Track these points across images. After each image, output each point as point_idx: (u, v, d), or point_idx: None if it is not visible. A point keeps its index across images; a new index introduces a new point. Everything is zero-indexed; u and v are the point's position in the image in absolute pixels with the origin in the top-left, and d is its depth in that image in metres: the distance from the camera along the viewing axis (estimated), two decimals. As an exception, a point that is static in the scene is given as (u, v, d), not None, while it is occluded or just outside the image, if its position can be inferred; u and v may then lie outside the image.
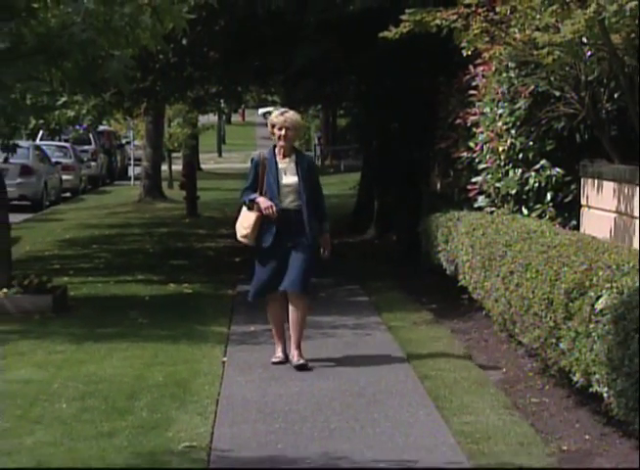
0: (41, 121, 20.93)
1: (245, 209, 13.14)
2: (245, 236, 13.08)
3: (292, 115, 12.93)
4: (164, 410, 11.24)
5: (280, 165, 13.00)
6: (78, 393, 12.04)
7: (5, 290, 17.48)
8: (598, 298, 9.22)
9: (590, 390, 9.70)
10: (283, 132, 12.76)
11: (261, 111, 74.06)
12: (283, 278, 12.91)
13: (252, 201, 12.92)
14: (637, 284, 8.75)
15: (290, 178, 12.99)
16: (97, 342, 14.87)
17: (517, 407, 11.18)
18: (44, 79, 9.62)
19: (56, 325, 16.27)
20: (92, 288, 20.07)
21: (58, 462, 9.53)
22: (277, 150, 13.07)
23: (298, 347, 12.92)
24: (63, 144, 48.33)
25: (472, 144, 16.72)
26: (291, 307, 13.06)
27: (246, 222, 13.04)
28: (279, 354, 13.12)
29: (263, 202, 12.77)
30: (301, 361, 12.75)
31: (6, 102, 9.80)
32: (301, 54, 21.16)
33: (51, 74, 9.83)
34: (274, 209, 12.71)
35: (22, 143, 28.56)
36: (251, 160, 13.52)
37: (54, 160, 45.13)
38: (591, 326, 9.29)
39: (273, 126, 12.97)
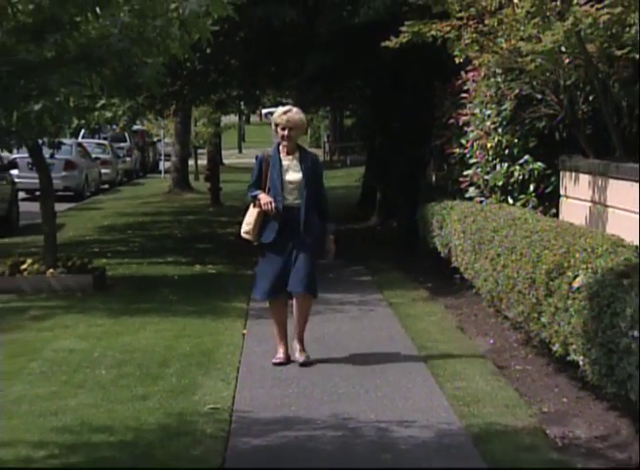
0: (82, 121, 20.82)
1: (251, 205, 11.87)
2: (247, 232, 11.82)
3: (294, 114, 11.72)
4: (191, 376, 11.26)
5: (284, 162, 11.79)
6: (116, 361, 12.08)
7: (51, 270, 17.53)
8: (575, 277, 9.23)
9: (568, 358, 9.71)
10: (286, 132, 11.63)
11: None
12: (287, 278, 11.67)
13: (255, 197, 11.71)
14: (609, 265, 8.75)
15: (293, 175, 11.75)
16: (132, 316, 14.90)
17: (503, 374, 11.20)
18: (85, 84, 9.60)
19: (95, 301, 16.30)
20: (127, 269, 20.09)
21: (98, 422, 9.57)
22: (281, 147, 11.86)
23: (301, 340, 11.86)
24: (101, 141, 48.42)
25: (463, 141, 16.84)
26: (295, 306, 11.92)
27: (248, 218, 11.80)
28: (280, 355, 11.74)
29: (263, 198, 11.56)
30: (304, 358, 11.59)
31: (52, 104, 9.75)
32: (312, 61, 21.14)
33: (91, 80, 9.80)
34: (273, 205, 11.50)
35: (66, 141, 28.56)
36: (256, 157, 12.28)
37: (94, 155, 45.16)
38: (569, 302, 9.30)
39: (277, 125, 11.83)
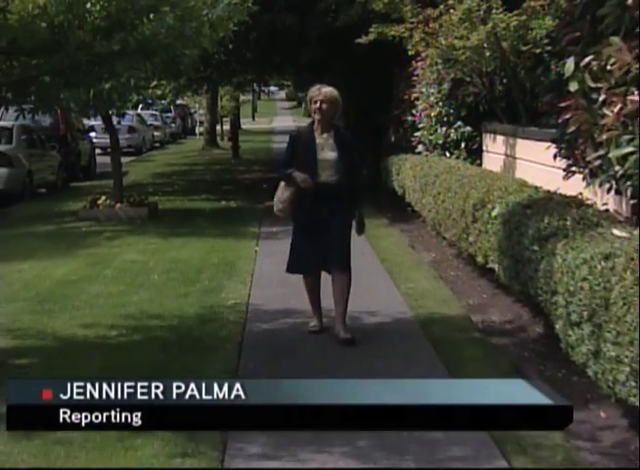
0: (140, 97, 20.80)
1: (282, 183, 8.98)
2: (281, 210, 8.95)
3: (329, 90, 8.75)
4: (219, 280, 11.26)
5: (318, 141, 8.73)
6: (165, 269, 12.07)
7: (119, 204, 17.56)
8: (493, 208, 9.23)
9: (487, 266, 9.73)
10: (317, 105, 8.64)
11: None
12: (320, 255, 8.78)
13: (289, 175, 8.75)
14: (517, 200, 8.74)
15: (327, 154, 8.70)
16: (176, 237, 14.89)
17: (441, 278, 11.20)
18: (141, 70, 9.59)
19: (150, 227, 16.28)
20: (172, 203, 20.05)
21: (153, 311, 9.59)
22: (315, 125, 8.80)
23: (344, 321, 8.61)
24: (154, 112, 48.24)
25: (414, 112, 16.91)
26: (335, 284, 8.79)
27: (282, 196, 8.91)
28: (315, 323, 8.96)
29: (299, 175, 8.59)
30: (348, 335, 8.44)
31: (118, 84, 9.73)
32: (305, 54, 21.11)
33: (145, 67, 9.75)
34: (310, 181, 8.55)
35: (129, 112, 28.40)
36: (290, 134, 9.26)
37: (148, 122, 45.05)
38: (488, 227, 9.31)
39: (310, 100, 8.85)
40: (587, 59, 7.08)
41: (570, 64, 7.36)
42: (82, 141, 28.55)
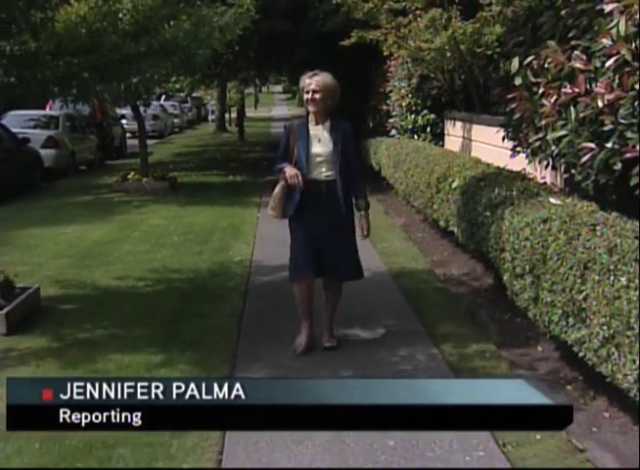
0: (162, 90, 20.77)
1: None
2: (272, 208, 6.67)
3: (322, 77, 6.49)
4: (227, 241, 11.28)
5: (311, 132, 6.51)
6: (182, 231, 12.07)
7: (145, 178, 17.54)
8: (453, 181, 9.23)
9: (448, 229, 9.74)
10: (310, 95, 6.47)
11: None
12: (316, 260, 6.56)
13: (280, 170, 6.53)
14: (473, 174, 8.75)
15: (321, 147, 6.45)
16: (192, 206, 14.86)
17: (410, 239, 11.22)
18: (163, 67, 9.60)
19: (170, 197, 16.26)
20: (189, 178, 20.00)
21: (173, 266, 9.60)
22: (310, 116, 6.59)
23: (330, 326, 6.67)
24: (174, 103, 48.04)
25: (388, 102, 16.76)
26: (332, 291, 6.72)
27: (274, 194, 6.64)
28: (302, 341, 6.51)
29: (289, 170, 6.40)
30: (332, 343, 6.56)
31: (144, 79, 9.77)
32: (298, 55, 21.02)
33: (166, 64, 9.77)
34: (299, 178, 6.34)
35: (153, 102, 28.28)
36: (284, 127, 6.92)
37: (169, 111, 44.86)
38: (449, 196, 9.30)
39: (303, 90, 6.62)
40: (529, 59, 7.12)
41: (515, 62, 7.40)
42: (115, 126, 28.58)
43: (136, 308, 7.78)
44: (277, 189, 6.53)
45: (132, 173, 17.90)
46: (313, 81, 6.41)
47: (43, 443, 4.72)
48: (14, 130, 18.24)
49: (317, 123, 6.51)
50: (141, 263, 9.79)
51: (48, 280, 8.81)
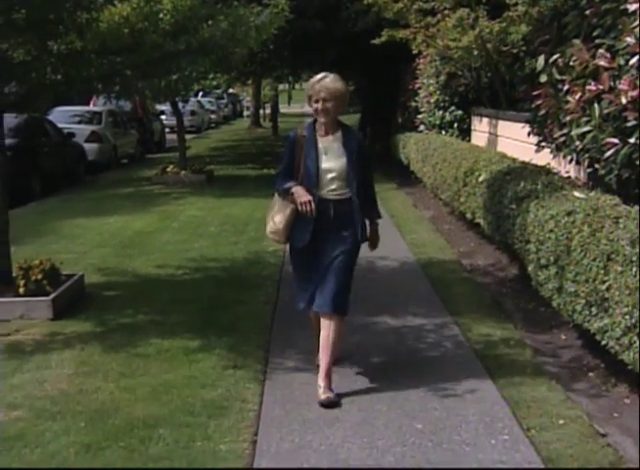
0: (199, 87, 20.84)
1: (275, 196, 5.50)
2: (274, 232, 5.45)
3: (330, 81, 5.16)
4: (262, 231, 11.05)
5: (320, 145, 5.26)
6: (219, 222, 12.12)
7: (183, 171, 17.67)
8: (479, 175, 9.19)
9: (474, 221, 9.71)
10: (320, 105, 5.15)
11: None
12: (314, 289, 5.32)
13: (287, 191, 5.25)
14: (499, 168, 8.71)
15: (333, 161, 5.22)
16: (228, 198, 14.92)
17: (438, 231, 11.19)
18: (201, 65, 9.60)
19: (207, 189, 16.33)
20: (225, 171, 20.07)
21: (210, 256, 9.64)
22: (317, 125, 5.31)
23: (328, 375, 5.21)
24: (210, 99, 48.20)
25: (417, 98, 16.71)
26: (322, 327, 5.28)
27: (278, 215, 5.40)
28: (322, 390, 5.14)
29: (300, 194, 5.14)
30: (328, 395, 5.08)
31: (183, 76, 9.80)
32: (330, 53, 21.06)
33: (204, 62, 9.77)
34: (313, 205, 5.11)
35: (191, 99, 28.37)
36: (287, 137, 5.46)
37: (206, 107, 45.02)
38: (476, 189, 9.29)
39: (310, 98, 5.25)
40: (554, 57, 7.08)
41: (540, 60, 7.36)
42: (155, 122, 28.74)
43: (175, 295, 7.82)
44: (281, 212, 5.36)
45: (171, 167, 18.00)
46: (323, 89, 5.15)
47: (88, 422, 4.78)
48: (59, 125, 18.39)
49: (326, 134, 5.28)
50: (179, 253, 9.84)
51: (92, 268, 8.88)
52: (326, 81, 5.17)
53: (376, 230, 5.61)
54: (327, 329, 5.22)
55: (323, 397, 5.09)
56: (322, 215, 5.20)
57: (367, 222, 5.47)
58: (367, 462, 4.24)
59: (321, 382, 5.19)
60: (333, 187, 5.23)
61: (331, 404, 5.04)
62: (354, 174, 5.23)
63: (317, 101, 5.18)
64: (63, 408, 5.00)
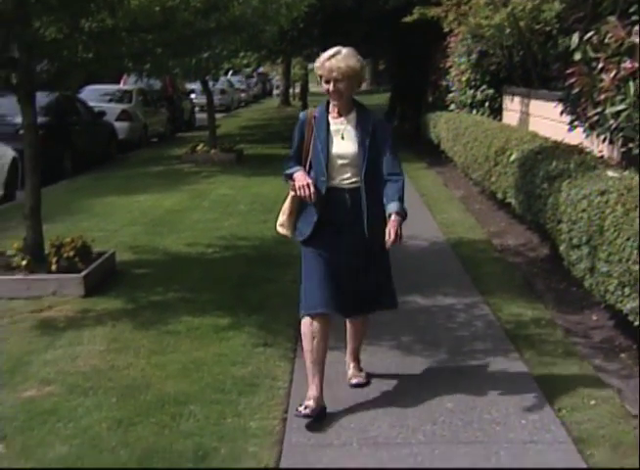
0: (230, 66, 20.83)
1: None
2: (281, 225, 4.88)
3: (342, 58, 4.48)
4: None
5: (333, 127, 4.65)
6: (249, 201, 12.14)
7: (213, 150, 17.68)
8: (511, 154, 9.12)
9: (505, 201, 9.65)
10: (332, 86, 4.50)
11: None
12: (335, 291, 4.62)
13: (290, 176, 4.67)
14: (530, 147, 8.64)
15: (345, 146, 4.59)
16: (258, 176, 14.92)
17: (468, 210, 11.13)
18: (232, 43, 9.61)
19: (237, 168, 16.37)
20: (254, 150, 20.04)
21: (240, 234, 9.66)
22: (331, 106, 4.70)
23: (356, 358, 5.16)
24: (240, 78, 48.17)
25: (447, 77, 16.61)
26: (360, 324, 5.07)
27: (284, 206, 4.85)
28: (310, 403, 4.49)
29: (298, 178, 4.57)
30: (360, 379, 5.03)
31: (214, 54, 9.80)
32: (361, 31, 20.94)
33: (235, 41, 9.77)
34: (311, 189, 4.49)
35: (221, 77, 28.38)
36: (299, 116, 4.91)
37: (236, 86, 44.98)
38: (507, 169, 9.22)
39: (321, 77, 4.58)
40: (589, 34, 6.98)
41: (575, 38, 7.26)
42: (185, 101, 28.80)
43: (205, 274, 7.84)
44: (287, 200, 4.79)
45: (201, 145, 18.02)
46: (334, 68, 4.47)
47: (120, 398, 4.81)
48: (90, 104, 18.47)
49: (339, 115, 4.67)
50: (210, 231, 9.86)
51: (123, 246, 8.93)
52: (338, 59, 4.51)
53: (395, 226, 4.45)
54: (357, 327, 5.08)
55: (354, 381, 5.04)
56: (336, 207, 4.58)
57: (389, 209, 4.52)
58: (397, 440, 4.24)
59: (352, 363, 5.14)
60: (346, 175, 4.59)
61: (360, 385, 5.01)
62: (368, 161, 4.53)
63: (328, 81, 4.54)
64: (95, 384, 5.04)
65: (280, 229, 4.89)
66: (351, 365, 5.14)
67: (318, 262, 4.65)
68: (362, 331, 5.13)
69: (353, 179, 4.58)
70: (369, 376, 5.11)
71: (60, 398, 4.85)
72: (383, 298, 4.85)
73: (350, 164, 4.58)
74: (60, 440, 4.29)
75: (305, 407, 4.48)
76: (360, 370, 5.14)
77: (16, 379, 5.17)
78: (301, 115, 4.88)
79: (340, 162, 4.59)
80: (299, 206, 4.73)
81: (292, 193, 4.67)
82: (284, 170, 4.75)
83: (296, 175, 4.61)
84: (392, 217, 4.46)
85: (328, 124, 4.66)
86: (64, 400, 4.80)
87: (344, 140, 4.61)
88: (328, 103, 4.69)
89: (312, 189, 4.51)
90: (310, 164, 4.67)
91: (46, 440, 4.29)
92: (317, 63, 4.59)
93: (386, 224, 4.44)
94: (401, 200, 4.56)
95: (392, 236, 4.41)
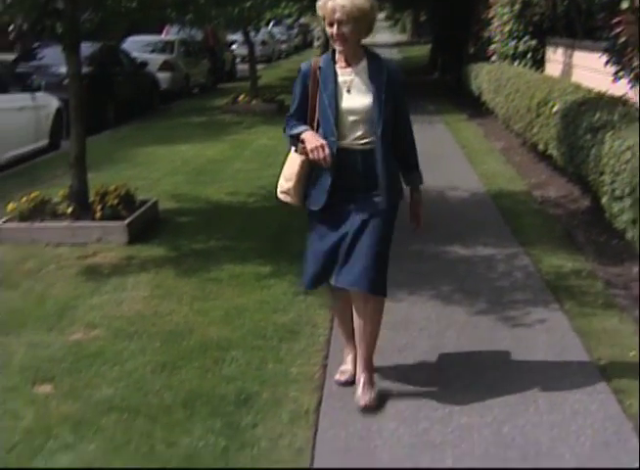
0: (271, 16, 20.73)
1: (292, 149, 4.04)
2: (285, 192, 4.07)
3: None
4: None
5: (341, 78, 3.89)
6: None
7: (254, 101, 17.65)
8: (553, 106, 8.99)
9: (547, 153, 9.54)
10: (335, 29, 3.80)
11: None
12: (331, 267, 4.04)
13: (297, 137, 3.93)
14: (573, 99, 8.51)
15: (356, 99, 3.86)
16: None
17: (508, 162, 11.02)
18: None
19: (278, 118, 15.92)
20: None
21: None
22: (337, 55, 3.94)
23: (367, 368, 4.10)
24: (281, 29, 47.83)
25: (490, 28, 16.34)
26: (355, 313, 4.07)
27: (288, 171, 4.02)
28: (346, 367, 4.32)
29: (310, 139, 3.82)
30: (368, 401, 3.97)
31: (256, 3, 9.74)
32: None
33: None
34: (326, 151, 3.78)
35: (262, 29, 28.25)
36: (300, 68, 4.06)
37: (276, 37, 44.69)
38: (549, 120, 9.10)
39: (324, 19, 3.88)
40: (637, -18, 6.81)
41: (622, -14, 7.09)
42: (226, 52, 28.72)
43: (246, 222, 7.88)
44: (294, 165, 4.04)
45: (242, 96, 17.98)
46: (338, 7, 3.81)
47: (163, 342, 4.88)
48: (133, 55, 18.47)
49: (348, 65, 3.98)
50: (251, 181, 9.87)
51: (165, 194, 8.98)
52: None
53: (418, 202, 4.18)
54: (363, 316, 4.08)
55: (362, 402, 4.02)
56: (347, 170, 3.95)
57: (408, 180, 4.18)
58: (434, 389, 4.25)
59: (361, 374, 4.14)
60: (359, 134, 3.93)
61: (370, 409, 3.98)
62: (382, 116, 3.89)
63: (331, 24, 3.87)
64: (139, 329, 5.11)
65: (283, 197, 4.15)
66: (361, 379, 4.13)
67: (324, 233, 4.08)
68: (371, 324, 4.10)
69: (367, 139, 3.92)
70: (382, 397, 4.12)
71: (105, 341, 4.93)
72: (367, 276, 3.92)
73: (363, 121, 3.92)
74: (106, 382, 4.36)
75: (342, 373, 4.34)
76: (372, 385, 4.12)
77: (63, 323, 5.26)
78: (303, 65, 4.10)
79: (351, 118, 3.92)
80: (309, 171, 4.03)
81: (298, 156, 4.00)
82: (285, 131, 4.11)
83: (305, 136, 3.92)
84: (415, 199, 4.17)
85: (336, 75, 3.96)
86: (109, 344, 4.88)
87: (352, 93, 3.93)
88: (334, 51, 3.99)
89: (327, 151, 3.84)
90: (317, 123, 3.98)
91: (92, 382, 4.37)
92: (320, 1, 3.93)
93: (399, 181, 4.09)
94: (418, 167, 4.18)
95: (420, 224, 4.20)
